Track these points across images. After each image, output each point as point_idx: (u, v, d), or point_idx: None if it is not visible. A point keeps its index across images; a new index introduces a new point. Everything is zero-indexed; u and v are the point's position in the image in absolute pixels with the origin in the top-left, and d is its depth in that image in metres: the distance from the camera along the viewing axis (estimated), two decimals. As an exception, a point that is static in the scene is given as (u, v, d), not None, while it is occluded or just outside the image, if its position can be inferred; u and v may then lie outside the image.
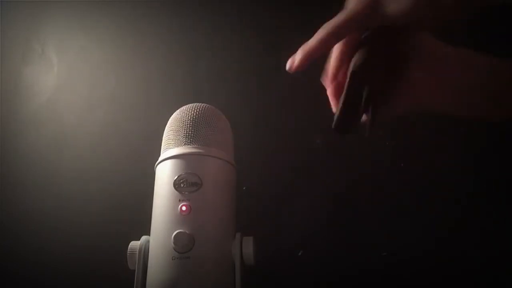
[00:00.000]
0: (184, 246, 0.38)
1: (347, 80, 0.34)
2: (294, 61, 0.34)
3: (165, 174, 0.42)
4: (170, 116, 0.47)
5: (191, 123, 0.44)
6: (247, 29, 0.81)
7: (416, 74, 0.33)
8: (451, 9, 0.31)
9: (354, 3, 0.31)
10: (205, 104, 0.46)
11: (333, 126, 0.35)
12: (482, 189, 0.65)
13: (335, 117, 0.35)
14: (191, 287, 0.38)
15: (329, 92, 0.36)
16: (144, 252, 0.41)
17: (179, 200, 0.40)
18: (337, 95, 0.36)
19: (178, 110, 0.47)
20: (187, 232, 0.39)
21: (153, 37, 0.85)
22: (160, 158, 0.44)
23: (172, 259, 0.38)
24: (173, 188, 0.41)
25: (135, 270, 0.41)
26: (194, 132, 0.44)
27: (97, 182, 0.76)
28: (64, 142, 0.81)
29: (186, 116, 0.45)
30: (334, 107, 0.37)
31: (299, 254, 0.65)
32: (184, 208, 0.40)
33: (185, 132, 0.44)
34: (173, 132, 0.45)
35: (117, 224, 0.70)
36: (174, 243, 0.38)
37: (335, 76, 0.35)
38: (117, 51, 0.87)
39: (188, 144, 0.43)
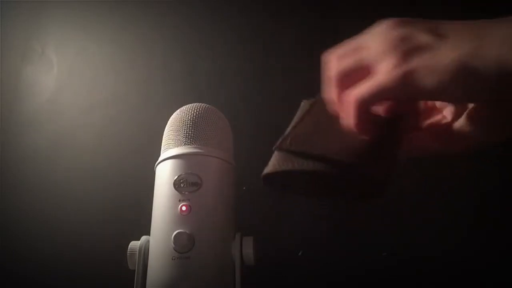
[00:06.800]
0: (184, 246, 0.38)
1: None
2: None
3: (165, 174, 0.42)
4: (170, 116, 0.47)
5: (191, 123, 0.44)
6: (248, 29, 0.81)
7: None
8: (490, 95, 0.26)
9: (383, 64, 0.27)
10: (205, 104, 0.46)
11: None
12: (483, 189, 0.65)
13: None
14: (191, 287, 0.38)
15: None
16: (144, 252, 0.41)
17: (179, 200, 0.40)
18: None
19: (178, 110, 0.47)
20: (187, 232, 0.39)
21: (153, 37, 0.85)
22: (160, 158, 0.44)
23: (172, 259, 0.38)
24: (173, 188, 0.41)
25: (135, 270, 0.41)
26: (194, 132, 0.44)
27: (97, 182, 0.76)
28: (64, 142, 0.81)
29: (186, 116, 0.45)
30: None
31: (299, 254, 0.65)
32: (184, 208, 0.40)
33: (185, 132, 0.44)
34: (173, 132, 0.45)
35: (117, 224, 0.70)
36: (174, 243, 0.38)
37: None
38: (117, 51, 0.87)
39: (188, 144, 0.43)
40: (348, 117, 0.30)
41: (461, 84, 0.24)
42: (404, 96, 0.28)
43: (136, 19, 0.87)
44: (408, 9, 0.66)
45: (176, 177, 0.41)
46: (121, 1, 0.89)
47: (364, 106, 0.29)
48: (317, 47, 0.37)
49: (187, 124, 0.44)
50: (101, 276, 0.68)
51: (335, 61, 0.31)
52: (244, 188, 0.68)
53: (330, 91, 0.32)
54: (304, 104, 0.36)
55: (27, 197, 0.77)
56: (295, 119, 0.35)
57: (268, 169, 0.32)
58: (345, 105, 0.30)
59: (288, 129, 0.34)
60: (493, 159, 0.66)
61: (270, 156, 0.35)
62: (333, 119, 0.32)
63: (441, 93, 0.25)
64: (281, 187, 0.35)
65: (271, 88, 0.76)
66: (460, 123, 0.31)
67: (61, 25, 0.91)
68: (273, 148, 0.33)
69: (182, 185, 0.41)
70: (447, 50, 0.25)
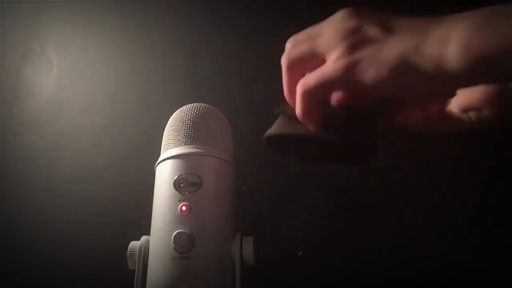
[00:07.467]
0: (184, 246, 0.38)
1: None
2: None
3: (165, 174, 0.42)
4: (170, 116, 0.47)
5: (191, 123, 0.44)
6: (248, 29, 0.81)
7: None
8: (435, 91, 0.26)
9: (332, 54, 0.28)
10: (205, 104, 0.47)
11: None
12: (483, 189, 0.65)
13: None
14: (191, 287, 0.38)
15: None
16: (144, 252, 0.41)
17: (179, 200, 0.40)
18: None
19: (178, 110, 0.47)
20: (187, 232, 0.39)
21: (153, 37, 0.85)
22: (160, 158, 0.44)
23: (172, 259, 0.38)
24: (173, 188, 0.41)
25: (135, 270, 0.41)
26: (194, 132, 0.44)
27: (96, 182, 0.76)
28: (64, 142, 0.81)
29: (186, 116, 0.45)
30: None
31: (299, 254, 0.65)
32: (184, 208, 0.40)
33: (185, 132, 0.44)
34: (173, 132, 0.45)
35: (117, 224, 0.70)
36: (174, 243, 0.38)
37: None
38: (117, 51, 0.87)
39: (188, 144, 0.43)
40: (297, 106, 0.30)
41: (400, 79, 0.25)
42: (348, 87, 0.28)
43: (136, 19, 0.87)
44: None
45: (176, 177, 0.41)
46: (121, 1, 0.89)
47: (310, 96, 0.29)
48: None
49: (187, 124, 0.44)
50: (101, 276, 0.68)
51: (290, 48, 0.32)
52: (244, 188, 0.68)
53: (284, 79, 0.32)
54: None
55: (27, 197, 0.77)
56: None
57: (269, 131, 0.34)
58: (296, 93, 0.30)
59: None
60: (493, 159, 0.66)
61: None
62: None
63: (381, 86, 0.26)
64: (282, 150, 0.36)
65: (271, 88, 0.76)
66: (448, 110, 0.32)
67: (61, 25, 0.91)
68: (276, 111, 0.34)
69: (182, 185, 0.41)
70: (391, 45, 0.25)
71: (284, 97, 0.34)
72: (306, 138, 0.32)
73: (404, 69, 0.25)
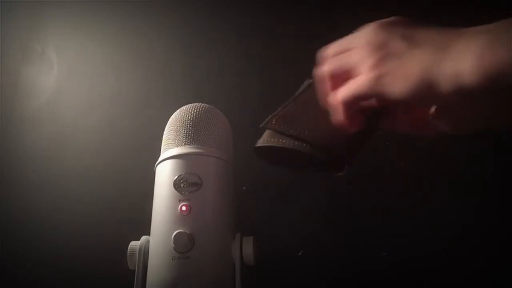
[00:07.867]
0: (184, 246, 0.38)
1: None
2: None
3: (165, 174, 0.42)
4: (170, 116, 0.47)
5: (191, 123, 0.44)
6: (247, 29, 0.81)
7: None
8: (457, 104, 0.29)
9: (363, 66, 0.31)
10: (205, 104, 0.47)
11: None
12: (483, 189, 0.65)
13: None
14: (191, 287, 0.38)
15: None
16: (144, 252, 0.41)
17: (179, 200, 0.40)
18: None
19: (178, 110, 0.47)
20: (187, 232, 0.39)
21: (153, 37, 0.85)
22: (160, 158, 0.44)
23: (172, 259, 0.38)
24: (173, 188, 0.41)
25: (135, 270, 0.41)
26: (194, 132, 0.44)
27: (96, 182, 0.76)
28: (63, 142, 0.81)
29: (186, 116, 0.45)
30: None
31: (299, 254, 0.65)
32: (184, 208, 0.40)
33: (185, 132, 0.44)
34: (173, 132, 0.45)
35: (117, 224, 0.70)
36: (174, 243, 0.38)
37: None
38: (117, 51, 0.87)
39: (188, 144, 0.43)
40: (337, 115, 0.34)
41: (421, 92, 0.27)
42: (377, 98, 0.32)
43: (136, 19, 0.87)
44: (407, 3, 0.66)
45: (176, 177, 0.41)
46: (121, 1, 0.89)
47: (348, 106, 0.32)
48: (317, 47, 0.37)
49: (187, 124, 0.44)
50: (101, 276, 0.68)
51: (326, 62, 0.35)
52: (244, 188, 0.68)
53: (321, 89, 0.35)
54: (305, 83, 0.40)
55: (27, 197, 0.77)
56: (292, 97, 0.40)
57: (258, 142, 0.37)
58: (334, 104, 0.34)
59: (280, 107, 0.38)
60: (493, 160, 0.66)
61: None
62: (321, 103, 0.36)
63: (405, 97, 0.28)
64: (270, 160, 0.39)
65: (271, 88, 0.76)
66: (431, 116, 0.35)
67: (61, 25, 0.91)
68: (260, 125, 0.37)
69: (182, 185, 0.41)
70: (414, 60, 0.28)
71: (271, 112, 0.38)
72: (290, 151, 0.35)
73: (425, 84, 0.27)
